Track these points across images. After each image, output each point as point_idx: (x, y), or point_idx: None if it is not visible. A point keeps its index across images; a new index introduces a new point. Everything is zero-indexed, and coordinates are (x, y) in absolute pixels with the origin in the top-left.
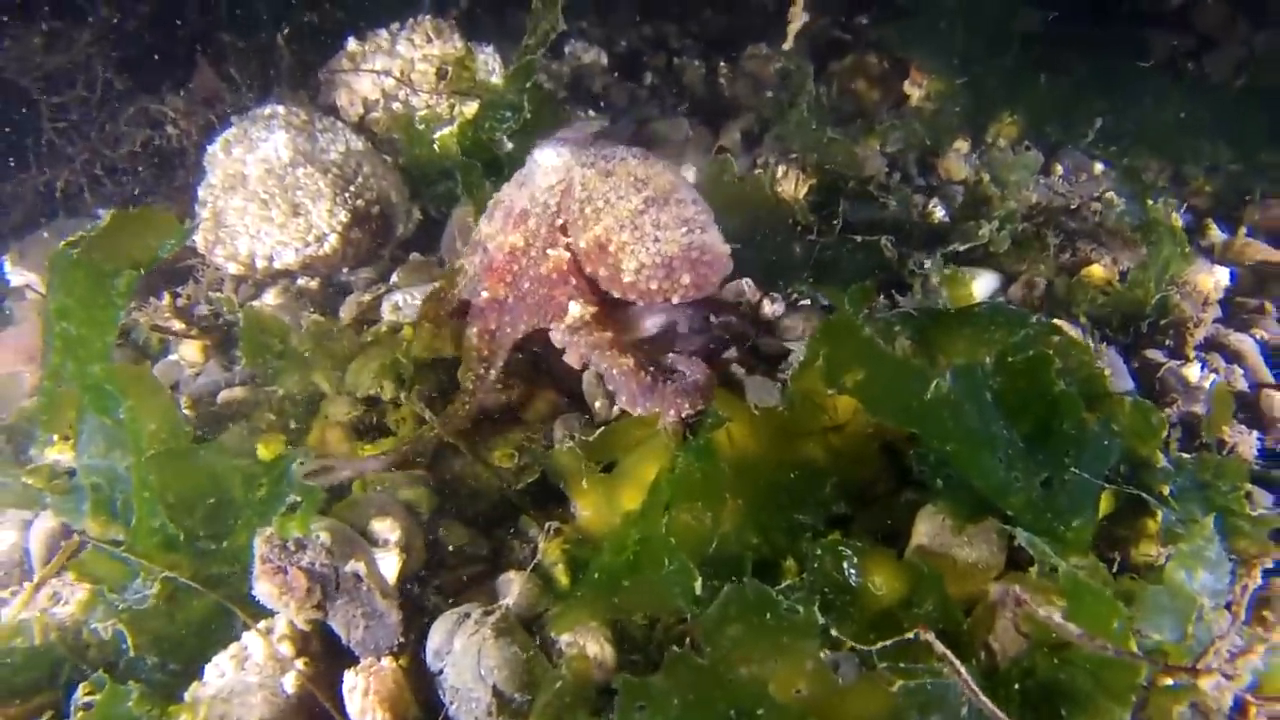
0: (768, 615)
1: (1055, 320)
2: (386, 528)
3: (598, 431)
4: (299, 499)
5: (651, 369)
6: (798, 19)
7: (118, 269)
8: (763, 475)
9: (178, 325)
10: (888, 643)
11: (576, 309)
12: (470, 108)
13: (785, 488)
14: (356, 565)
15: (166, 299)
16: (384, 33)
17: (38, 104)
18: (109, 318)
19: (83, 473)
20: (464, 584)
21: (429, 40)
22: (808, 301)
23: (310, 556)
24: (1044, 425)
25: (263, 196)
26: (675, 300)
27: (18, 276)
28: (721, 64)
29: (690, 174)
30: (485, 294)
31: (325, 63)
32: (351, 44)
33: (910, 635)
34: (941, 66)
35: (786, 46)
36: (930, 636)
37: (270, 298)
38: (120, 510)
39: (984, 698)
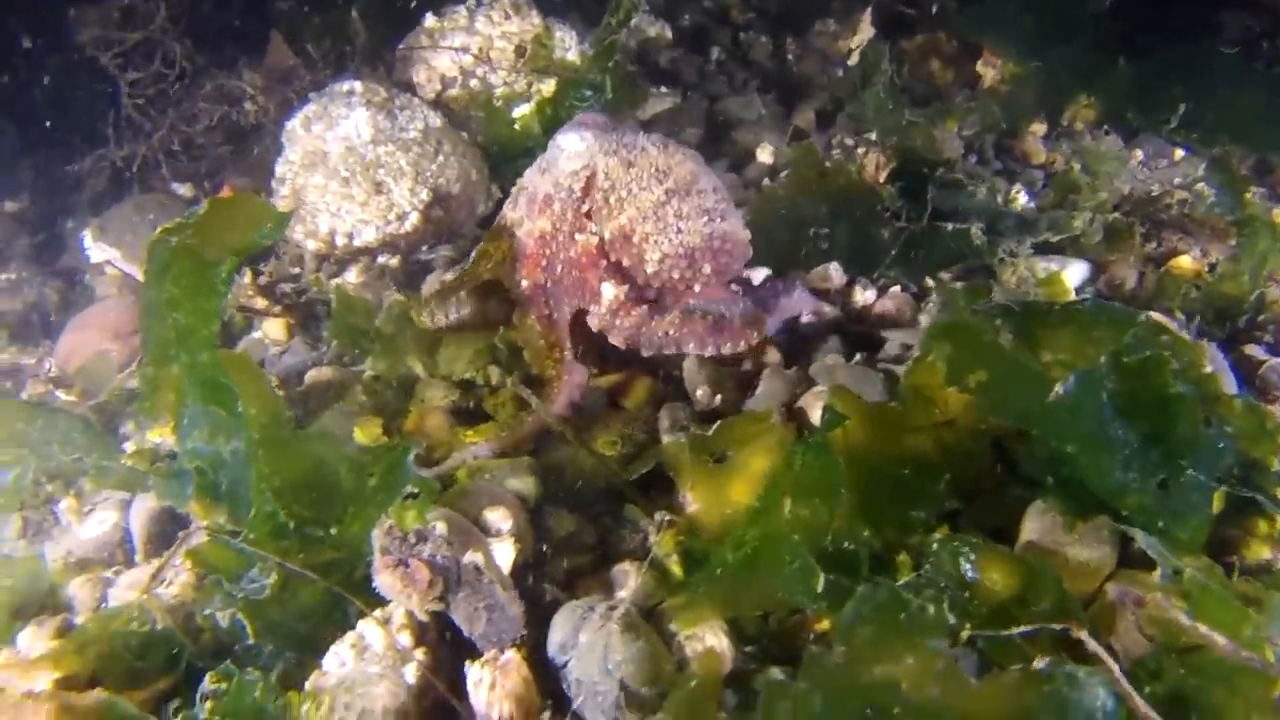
0: (900, 615)
1: (1157, 317)
2: (500, 517)
3: (715, 426)
4: (416, 490)
5: (701, 313)
6: (864, 34)
7: (220, 257)
8: (876, 470)
9: (261, 303)
10: (1019, 630)
11: (611, 291)
12: (548, 85)
13: (899, 482)
14: (475, 556)
15: (249, 277)
16: (462, 9)
17: (115, 80)
18: (213, 306)
19: (186, 457)
20: (575, 573)
21: (507, 17)
22: (897, 287)
23: (431, 548)
24: (1159, 426)
25: (344, 174)
26: (697, 289)
27: (98, 252)
28: (789, 40)
29: (767, 154)
30: (525, 282)
31: (400, 38)
32: (430, 20)
33: (1027, 629)
34: (1014, 48)
35: (851, 61)
36: (1084, 634)
37: (352, 276)
38: (225, 495)
39: (1139, 699)
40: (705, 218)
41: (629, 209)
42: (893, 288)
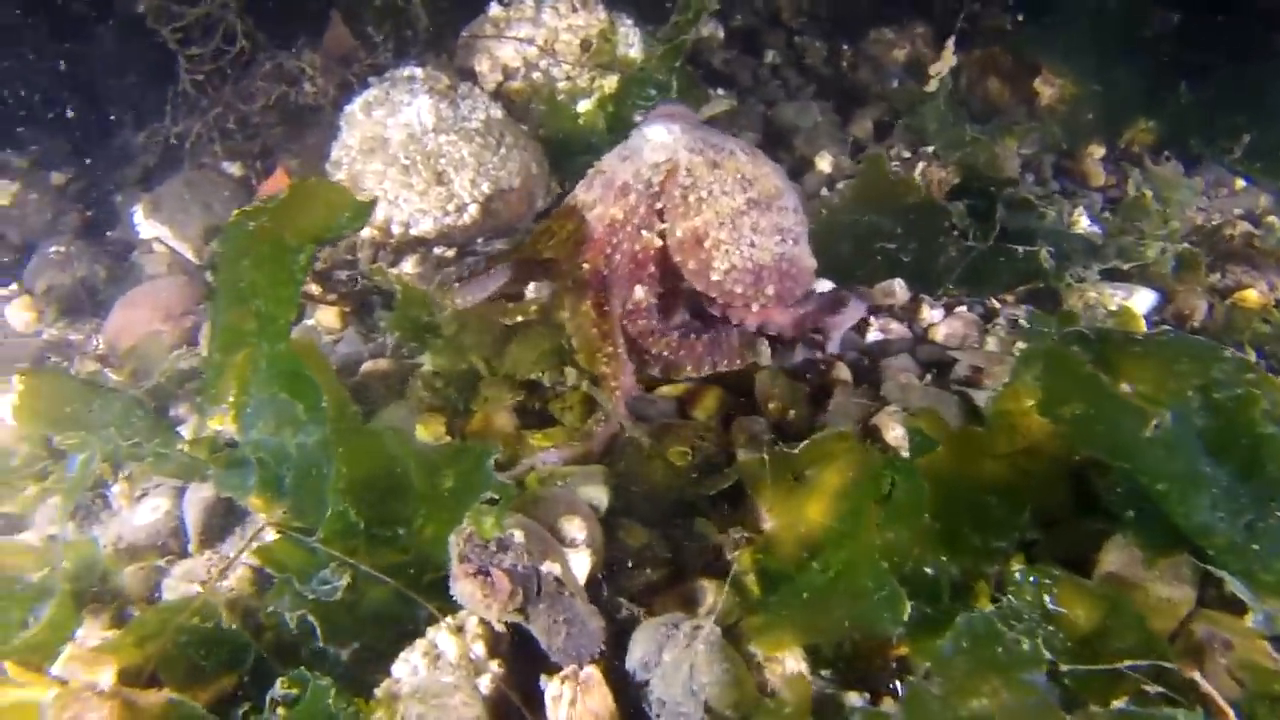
0: (997, 648)
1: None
2: (575, 527)
3: (801, 445)
4: (494, 495)
5: (697, 334)
6: (948, 62)
7: (299, 243)
8: (959, 495)
9: (315, 289)
10: (1123, 665)
11: (640, 292)
12: (610, 81)
13: (981, 509)
14: (553, 567)
15: None
16: (529, 0)
17: (174, 55)
18: (291, 294)
19: (250, 448)
20: (650, 588)
21: (574, 10)
22: (963, 307)
23: (513, 558)
24: (1248, 466)
25: (404, 162)
26: (755, 309)
27: (149, 229)
28: (844, 46)
29: (826, 163)
30: (586, 266)
31: (463, 25)
32: (495, 9)
33: (1133, 664)
34: (1074, 68)
35: (929, 88)
36: (1197, 675)
37: (409, 266)
38: (289, 490)
39: None
40: (779, 237)
41: (706, 211)
42: (958, 307)
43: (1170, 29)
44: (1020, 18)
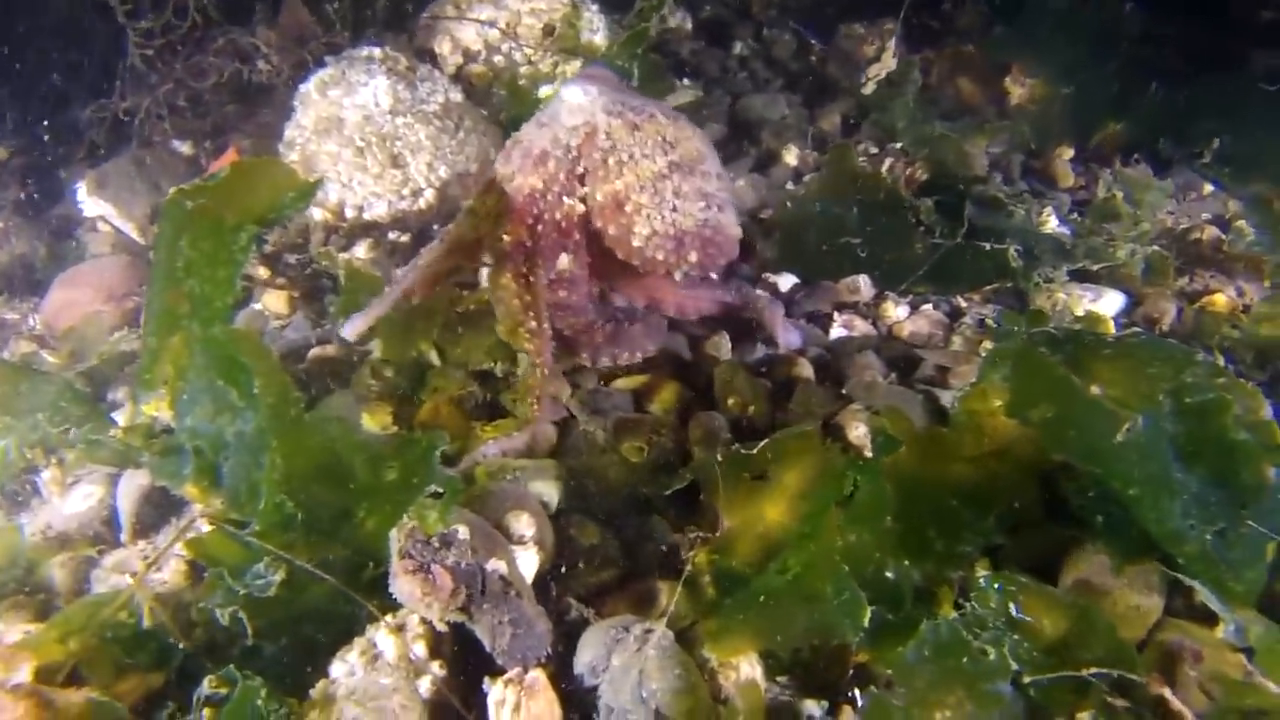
0: (963, 658)
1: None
2: (524, 523)
3: (761, 444)
4: (439, 489)
5: (608, 321)
6: (886, 66)
7: (240, 223)
8: (923, 498)
9: (263, 273)
10: (1088, 673)
11: (564, 262)
12: (572, 67)
13: (945, 512)
14: (499, 565)
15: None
16: None
17: (123, 29)
18: (229, 276)
19: (186, 435)
20: (601, 589)
21: None
22: (928, 305)
23: (456, 554)
24: (1220, 472)
25: (358, 144)
26: (677, 276)
27: (93, 206)
28: (812, 41)
29: (792, 156)
30: (508, 237)
31: (422, 6)
32: None
33: (1097, 671)
34: (1045, 69)
35: (866, 90)
36: (1166, 692)
37: (361, 251)
38: (228, 479)
39: None
40: (703, 202)
41: (627, 175)
42: (924, 305)
43: (1140, 32)
44: (990, 18)
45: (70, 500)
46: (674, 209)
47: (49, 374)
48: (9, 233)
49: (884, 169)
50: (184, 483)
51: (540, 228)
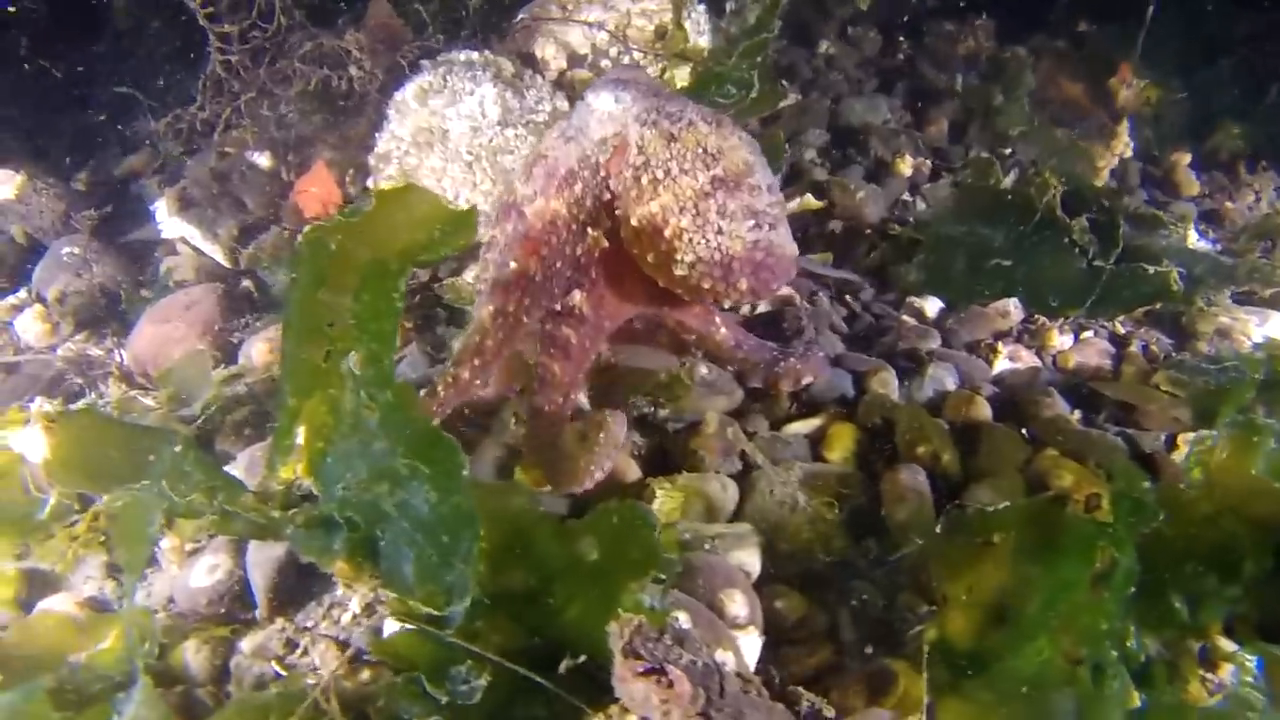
0: None
1: None
2: (738, 603)
3: (996, 509)
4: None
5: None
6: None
7: (401, 266)
8: (1164, 564)
9: None
10: None
11: (576, 298)
12: (681, 72)
13: (1188, 578)
14: (726, 656)
15: None
16: None
17: (193, 33)
18: (392, 328)
19: (336, 506)
20: (820, 670)
21: None
22: (1090, 333)
23: (690, 652)
24: None
25: (466, 158)
26: (726, 305)
27: (174, 227)
28: (901, 39)
29: (907, 165)
30: (514, 265)
31: (512, 5)
32: None
33: None
34: (1156, 70)
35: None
36: None
37: (470, 276)
38: (389, 555)
39: None
40: (752, 221)
41: (664, 195)
42: (1085, 332)
43: (1248, 33)
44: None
45: (195, 573)
46: (719, 231)
47: (164, 432)
48: (87, 260)
49: (1020, 184)
50: (335, 559)
51: (559, 263)
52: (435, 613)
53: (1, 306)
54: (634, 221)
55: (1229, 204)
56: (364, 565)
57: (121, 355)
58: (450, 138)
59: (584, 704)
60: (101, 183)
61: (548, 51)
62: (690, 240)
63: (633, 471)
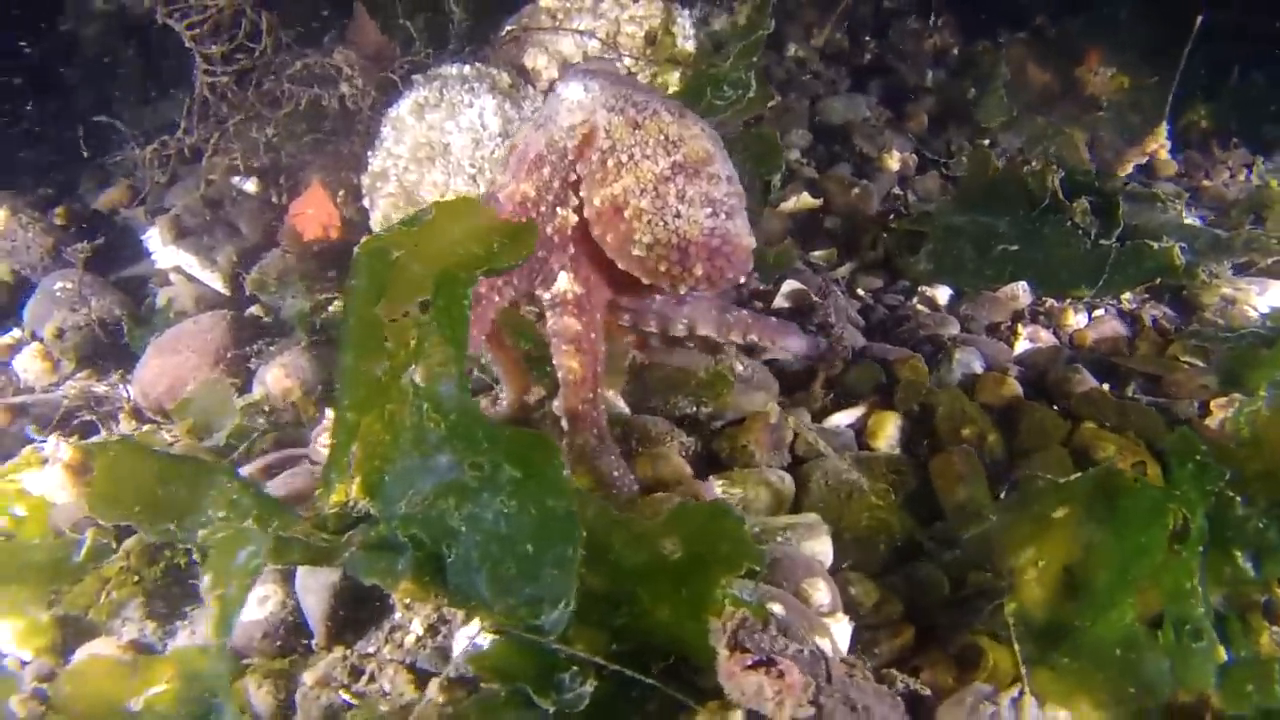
0: None
1: None
2: (822, 591)
3: (1065, 481)
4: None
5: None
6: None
7: (470, 276)
8: (1227, 521)
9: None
10: None
11: (565, 282)
12: (673, 77)
13: (1252, 534)
14: (823, 643)
15: None
16: None
17: (191, 54)
18: (463, 337)
19: (400, 524)
20: (904, 652)
21: (634, 0)
22: (1101, 312)
23: (794, 641)
24: None
25: (470, 171)
26: (683, 290)
27: (170, 256)
28: (866, 37)
29: (894, 160)
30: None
31: (501, 18)
32: None
33: None
34: (1124, 56)
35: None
36: None
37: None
38: (460, 572)
39: None
40: (710, 209)
41: (626, 177)
42: (1096, 311)
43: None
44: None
45: (245, 606)
46: (677, 215)
47: (205, 463)
48: (82, 294)
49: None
50: (401, 579)
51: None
52: (535, 622)
53: None
54: (596, 202)
55: (1206, 181)
56: (430, 584)
57: (128, 390)
58: (452, 151)
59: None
60: (80, 215)
61: (539, 61)
62: (649, 221)
63: (685, 470)
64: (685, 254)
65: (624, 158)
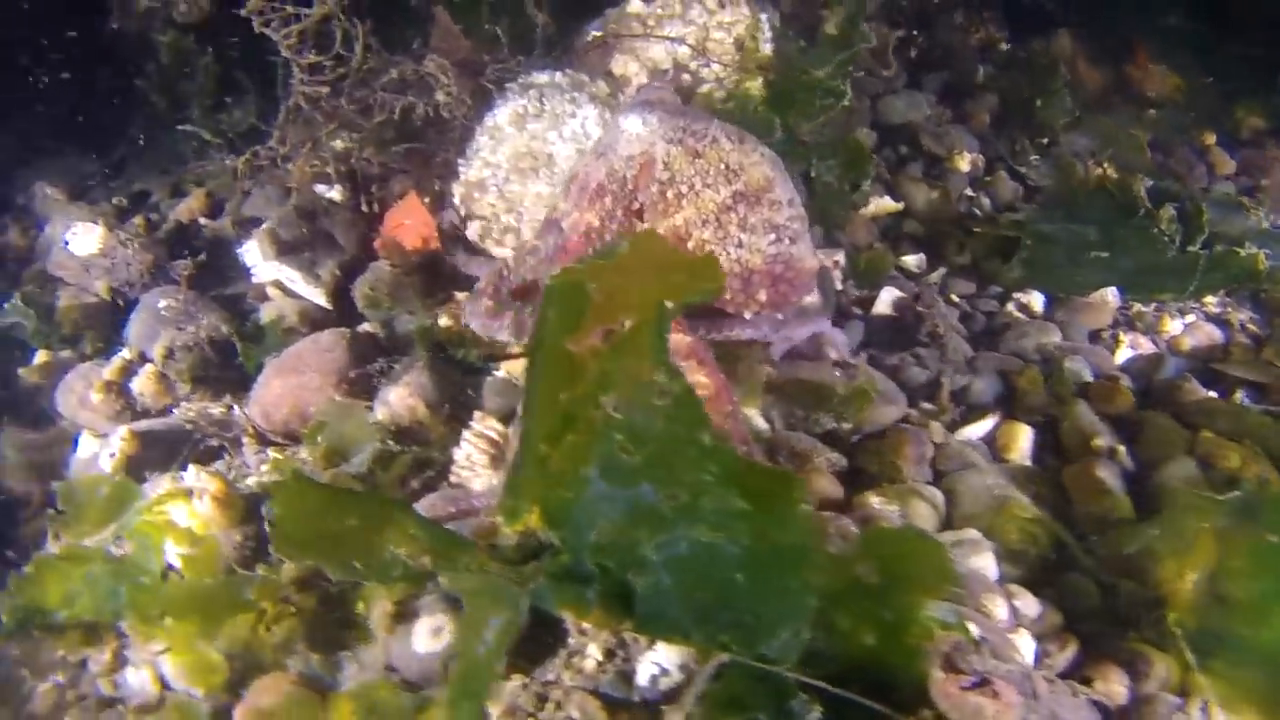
0: None
1: None
2: (1001, 606)
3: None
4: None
5: None
6: None
7: (677, 307)
8: None
9: (508, 338)
10: None
11: None
12: (756, 84)
13: None
14: (1020, 659)
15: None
16: None
17: (288, 64)
18: (660, 369)
19: (589, 553)
20: (1074, 661)
21: (720, 5)
22: (1191, 317)
23: (1004, 662)
24: None
25: None
26: (747, 315)
27: (271, 270)
28: (914, 32)
29: (965, 161)
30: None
31: (574, 24)
32: (636, 5)
33: None
34: (1175, 54)
35: None
36: None
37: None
38: (649, 601)
39: None
40: (773, 235)
41: (687, 208)
42: (1187, 317)
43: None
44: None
45: (417, 638)
46: (740, 244)
47: (386, 498)
48: (188, 312)
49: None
50: (591, 608)
51: None
52: (759, 650)
53: (109, 369)
54: (659, 233)
55: (1265, 181)
56: (617, 613)
57: (246, 411)
58: (556, 162)
59: None
60: (158, 227)
61: (630, 68)
62: (711, 252)
63: (835, 489)
64: (748, 282)
65: (684, 188)
